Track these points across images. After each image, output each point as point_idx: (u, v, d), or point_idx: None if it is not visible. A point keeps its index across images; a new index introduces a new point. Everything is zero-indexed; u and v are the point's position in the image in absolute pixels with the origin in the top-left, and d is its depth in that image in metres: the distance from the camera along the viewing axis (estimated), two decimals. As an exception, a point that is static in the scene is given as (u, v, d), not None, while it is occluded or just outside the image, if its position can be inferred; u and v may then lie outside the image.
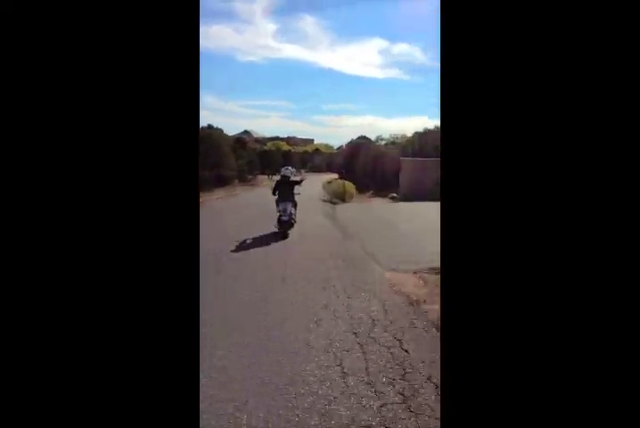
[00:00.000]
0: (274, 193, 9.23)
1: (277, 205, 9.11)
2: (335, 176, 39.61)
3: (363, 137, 29.62)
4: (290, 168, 9.82)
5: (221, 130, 24.45)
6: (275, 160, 41.84)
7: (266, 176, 33.53)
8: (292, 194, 9.25)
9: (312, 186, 20.84)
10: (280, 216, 8.85)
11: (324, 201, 17.46)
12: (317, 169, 57.11)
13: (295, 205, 9.35)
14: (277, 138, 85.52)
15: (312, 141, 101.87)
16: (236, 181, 24.58)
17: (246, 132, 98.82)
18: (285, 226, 8.83)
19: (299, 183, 9.47)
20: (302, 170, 53.28)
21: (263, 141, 68.16)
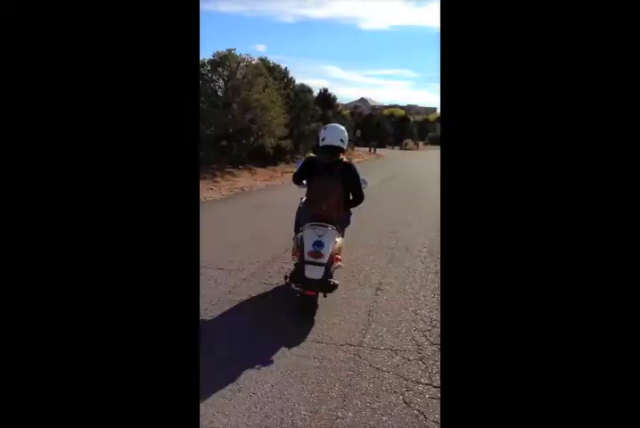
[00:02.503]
0: (297, 182, 3.22)
1: (297, 225, 3.19)
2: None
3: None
4: (339, 126, 3.10)
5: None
6: (369, 129, 31.11)
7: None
8: (340, 200, 2.97)
9: (425, 175, 10.39)
10: (303, 261, 2.74)
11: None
12: (439, 142, 46.05)
13: (340, 229, 3.06)
14: (396, 106, 76.12)
15: (434, 110, 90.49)
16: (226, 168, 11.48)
17: (362, 100, 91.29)
18: (315, 287, 2.75)
19: (356, 184, 3.05)
20: (420, 142, 43.61)
21: (380, 108, 58.78)
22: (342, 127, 3.10)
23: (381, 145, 32.67)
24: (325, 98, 19.40)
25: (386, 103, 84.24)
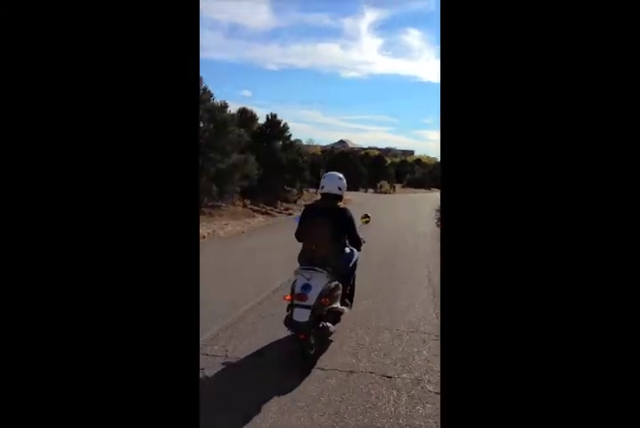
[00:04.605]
0: (299, 238, 3.21)
1: (298, 273, 2.99)
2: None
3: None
4: (336, 174, 3.18)
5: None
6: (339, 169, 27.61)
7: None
8: (340, 248, 3.12)
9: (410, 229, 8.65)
10: (292, 305, 2.79)
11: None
12: (418, 185, 43.07)
13: (348, 277, 3.31)
14: (374, 148, 74.43)
15: (412, 153, 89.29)
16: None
17: (341, 142, 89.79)
18: (303, 329, 2.72)
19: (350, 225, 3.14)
20: (397, 185, 40.68)
21: (357, 151, 56.40)
22: (340, 175, 3.19)
23: (354, 188, 29.38)
24: (274, 126, 15.27)
25: (365, 146, 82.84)
